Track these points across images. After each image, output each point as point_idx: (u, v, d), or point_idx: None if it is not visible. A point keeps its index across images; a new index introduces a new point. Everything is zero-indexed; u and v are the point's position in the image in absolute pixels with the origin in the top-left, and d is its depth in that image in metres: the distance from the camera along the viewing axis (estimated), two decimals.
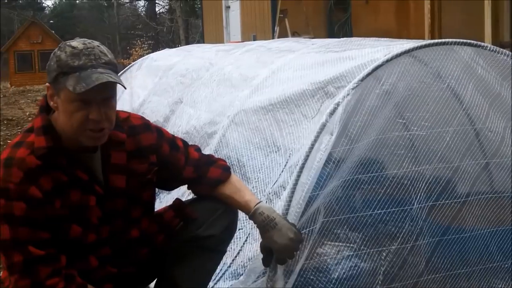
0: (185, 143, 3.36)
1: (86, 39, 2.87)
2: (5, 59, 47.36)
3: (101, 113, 2.80)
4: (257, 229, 3.23)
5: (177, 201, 3.38)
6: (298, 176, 3.35)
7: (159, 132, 3.23)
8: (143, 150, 3.11)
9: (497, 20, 9.28)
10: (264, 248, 3.20)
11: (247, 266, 3.59)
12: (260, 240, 3.23)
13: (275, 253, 3.16)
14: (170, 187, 3.53)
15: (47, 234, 2.80)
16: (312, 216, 3.44)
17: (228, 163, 3.46)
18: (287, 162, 3.70)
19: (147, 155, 3.13)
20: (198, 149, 3.41)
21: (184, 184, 3.43)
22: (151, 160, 3.15)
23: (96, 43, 2.86)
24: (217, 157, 3.49)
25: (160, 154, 3.19)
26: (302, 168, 3.36)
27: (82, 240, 2.94)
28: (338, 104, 3.46)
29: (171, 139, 3.28)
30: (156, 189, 3.32)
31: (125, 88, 2.94)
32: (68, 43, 2.82)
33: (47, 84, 2.86)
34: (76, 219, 2.89)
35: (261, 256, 3.25)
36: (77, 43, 2.81)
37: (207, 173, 3.31)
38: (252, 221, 3.25)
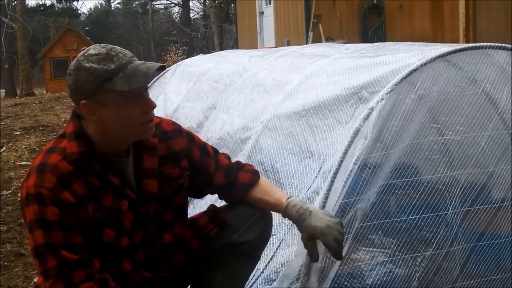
0: (215, 150, 3.38)
1: (94, 45, 2.85)
2: (41, 65, 47.81)
3: (152, 102, 2.87)
4: (294, 224, 3.18)
5: (212, 207, 3.39)
6: (332, 181, 3.33)
7: (189, 137, 3.25)
8: (175, 155, 3.13)
9: None
10: (307, 239, 3.11)
11: (279, 272, 3.59)
12: (296, 245, 3.20)
13: (321, 237, 3.05)
14: (201, 194, 3.51)
15: (81, 239, 2.80)
16: (349, 222, 3.42)
17: (257, 168, 3.46)
18: (321, 168, 3.69)
19: (179, 160, 3.15)
20: (227, 156, 3.43)
21: (215, 191, 3.42)
22: (183, 165, 3.16)
23: (108, 45, 2.86)
24: (244, 162, 3.50)
25: (191, 159, 3.21)
26: (335, 173, 3.35)
27: (116, 245, 2.95)
28: (372, 109, 3.44)
29: (202, 144, 3.30)
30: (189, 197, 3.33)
31: (165, 68, 2.94)
32: (86, 56, 2.77)
33: (81, 102, 2.78)
34: (109, 223, 2.90)
35: (294, 261, 3.24)
36: (93, 50, 2.78)
37: (237, 179, 3.32)
38: (287, 221, 3.23)
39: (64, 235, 2.76)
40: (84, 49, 2.82)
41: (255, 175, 3.36)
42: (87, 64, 2.74)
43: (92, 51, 2.78)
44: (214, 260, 3.28)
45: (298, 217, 3.11)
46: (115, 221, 2.92)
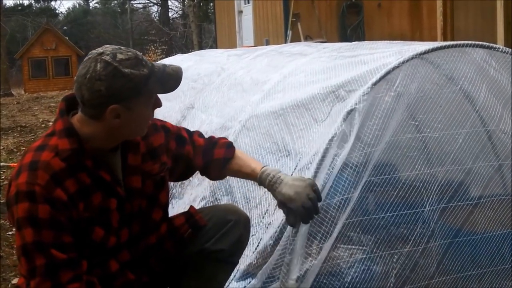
0: (189, 132, 3.41)
1: (114, 48, 2.82)
2: (19, 65, 47.57)
3: (160, 100, 2.97)
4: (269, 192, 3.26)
5: (191, 208, 3.41)
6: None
7: (165, 129, 3.26)
8: (155, 151, 3.14)
9: (509, 22, 9.27)
10: (279, 205, 3.21)
11: (256, 271, 3.60)
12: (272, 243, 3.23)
13: (288, 204, 3.13)
14: (186, 177, 3.58)
15: (70, 238, 2.78)
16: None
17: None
18: (296, 166, 3.71)
19: (159, 156, 3.16)
20: (200, 134, 3.46)
21: (196, 171, 3.48)
22: (162, 160, 3.18)
23: (122, 47, 2.84)
24: (217, 137, 3.53)
25: (169, 151, 3.24)
26: (316, 173, 3.38)
27: (104, 244, 2.93)
28: (352, 109, 3.46)
29: (176, 132, 3.33)
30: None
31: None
32: (118, 61, 2.73)
33: (111, 107, 2.75)
34: (99, 222, 2.89)
35: (271, 259, 3.27)
36: (122, 55, 2.76)
37: (213, 156, 3.37)
38: (265, 220, 3.26)
39: (54, 233, 2.73)
40: (102, 52, 2.77)
41: (229, 148, 3.41)
42: (125, 70, 2.73)
43: (121, 56, 2.75)
44: (190, 265, 3.29)
45: (271, 186, 3.20)
46: (104, 219, 2.91)
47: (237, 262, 3.45)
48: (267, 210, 3.82)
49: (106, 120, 2.78)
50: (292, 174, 3.65)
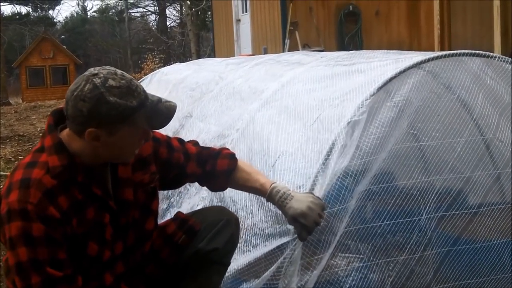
0: (181, 141, 3.40)
1: (109, 72, 2.78)
2: (17, 74, 47.56)
3: (150, 132, 2.97)
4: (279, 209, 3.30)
5: (179, 214, 3.41)
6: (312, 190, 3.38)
7: (154, 139, 3.24)
8: (143, 161, 3.12)
9: (506, 30, 9.30)
10: (290, 221, 3.24)
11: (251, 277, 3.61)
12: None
13: (300, 219, 3.18)
14: (179, 185, 3.57)
15: (65, 255, 2.77)
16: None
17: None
18: (275, 162, 3.73)
19: (148, 166, 3.15)
20: (195, 143, 3.46)
21: (193, 180, 3.48)
22: (152, 170, 3.17)
23: (119, 71, 2.80)
24: (218, 147, 3.52)
25: (159, 159, 3.22)
26: (313, 185, 3.40)
27: (100, 257, 2.93)
28: (352, 120, 3.47)
29: (166, 141, 3.31)
30: (165, 203, 3.33)
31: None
32: (107, 88, 2.70)
33: (89, 129, 2.74)
34: (93, 236, 2.88)
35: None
36: (114, 82, 2.72)
37: (216, 167, 3.37)
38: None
39: (49, 251, 2.72)
40: (96, 73, 2.74)
41: (232, 159, 3.41)
42: (111, 98, 2.69)
43: (112, 83, 2.71)
44: (186, 269, 3.30)
45: (281, 202, 3.23)
46: (98, 234, 2.90)
47: (229, 263, 3.45)
48: (251, 211, 3.83)
49: (86, 140, 2.77)
50: (270, 171, 3.69)
